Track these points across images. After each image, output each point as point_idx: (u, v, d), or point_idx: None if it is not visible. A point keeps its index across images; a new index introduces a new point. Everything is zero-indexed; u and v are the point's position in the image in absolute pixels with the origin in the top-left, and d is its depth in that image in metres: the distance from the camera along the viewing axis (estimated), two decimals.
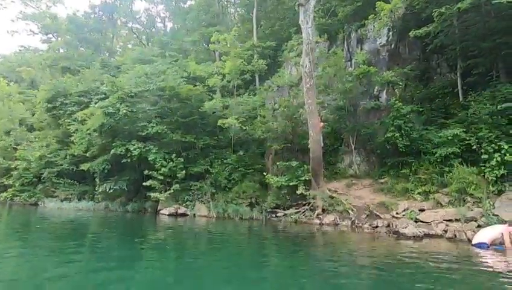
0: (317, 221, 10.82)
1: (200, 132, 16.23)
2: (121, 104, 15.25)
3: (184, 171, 14.43)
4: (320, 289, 4.37)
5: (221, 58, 19.67)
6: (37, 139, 22.51)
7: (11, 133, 24.30)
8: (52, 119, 21.45)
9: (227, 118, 15.04)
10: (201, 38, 25.31)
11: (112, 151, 14.98)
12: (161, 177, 14.11)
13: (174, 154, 14.75)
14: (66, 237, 8.80)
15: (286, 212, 11.99)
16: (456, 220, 8.08)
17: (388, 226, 8.81)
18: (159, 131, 14.91)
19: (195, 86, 16.36)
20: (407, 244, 7.20)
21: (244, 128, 15.29)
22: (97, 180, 17.00)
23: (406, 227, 7.81)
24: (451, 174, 9.26)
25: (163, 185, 14.28)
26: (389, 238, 8.03)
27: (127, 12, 37.14)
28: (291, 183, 11.82)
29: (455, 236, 7.53)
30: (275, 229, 10.45)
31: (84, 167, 16.80)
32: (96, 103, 16.48)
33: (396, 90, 12.85)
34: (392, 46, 14.25)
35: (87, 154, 16.96)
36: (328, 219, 10.67)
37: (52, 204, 18.82)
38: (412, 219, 8.70)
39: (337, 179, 12.89)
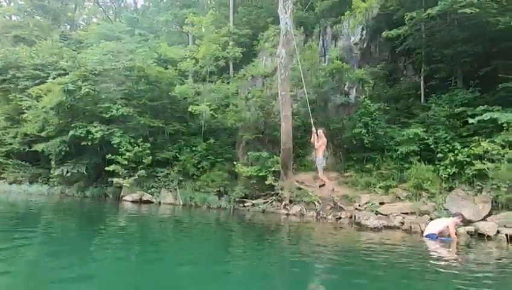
0: (284, 211, 11.04)
1: (169, 117, 15.62)
2: (82, 82, 14.13)
3: (150, 157, 13.85)
4: (280, 277, 4.48)
5: (195, 42, 18.94)
6: None
7: None
8: (1, 93, 19.33)
9: (198, 105, 14.62)
10: (174, 19, 24.13)
11: (71, 132, 13.91)
12: (125, 163, 13.42)
13: (140, 139, 14.07)
14: (13, 223, 8.06)
15: (254, 202, 12.07)
16: (412, 213, 8.68)
17: (351, 217, 9.24)
18: (125, 113, 14.09)
19: (166, 68, 15.63)
20: (367, 235, 7.61)
21: (216, 116, 14.99)
22: (53, 162, 15.75)
23: (368, 219, 8.24)
24: (410, 170, 9.89)
25: (128, 171, 13.62)
26: (351, 229, 8.43)
27: None
28: (260, 174, 11.87)
29: (410, 228, 8.09)
30: (242, 218, 10.49)
31: (38, 147, 15.44)
32: (54, 79, 15.07)
33: (366, 88, 13.34)
34: (364, 45, 14.72)
35: (42, 134, 15.57)
36: (295, 209, 10.92)
37: None
38: (372, 211, 9.19)
39: (305, 171, 13.17)
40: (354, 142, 11.79)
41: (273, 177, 11.73)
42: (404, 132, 10.71)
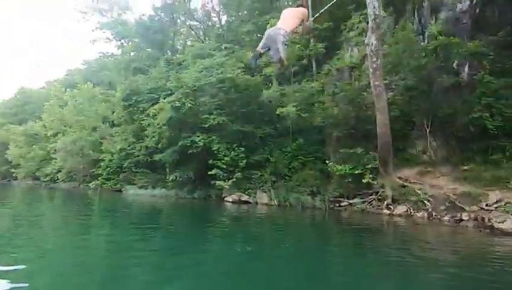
0: (387, 211, 10.09)
1: (259, 121, 16.40)
2: (185, 98, 16.27)
3: (245, 160, 14.84)
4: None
5: None
6: (117, 134, 25.61)
7: (97, 129, 28.15)
8: (128, 116, 24.09)
9: (284, 107, 14.87)
10: (256, 28, 25.26)
11: (180, 143, 16.18)
12: (224, 166, 14.77)
13: (235, 144, 15.25)
14: (145, 219, 9.89)
15: (351, 201, 11.48)
16: None
17: (476, 219, 7.71)
18: (220, 122, 15.52)
19: (253, 76, 16.49)
20: (503, 241, 6.19)
21: (303, 115, 14.93)
22: (167, 169, 18.62)
23: (503, 221, 6.72)
24: None
25: (227, 174, 14.92)
26: (479, 233, 7.02)
27: (185, 11, 39.05)
28: (356, 172, 11.21)
29: None
30: (339, 218, 10.10)
31: (156, 157, 18.55)
32: (164, 99, 17.88)
33: (485, 62, 10.92)
34: (477, 10, 12.15)
35: (159, 146, 18.64)
36: (400, 209, 9.86)
37: (132, 191, 21.35)
38: (508, 212, 7.45)
39: (408, 167, 11.75)
40: (472, 129, 9.85)
41: (371, 175, 10.89)
42: None
